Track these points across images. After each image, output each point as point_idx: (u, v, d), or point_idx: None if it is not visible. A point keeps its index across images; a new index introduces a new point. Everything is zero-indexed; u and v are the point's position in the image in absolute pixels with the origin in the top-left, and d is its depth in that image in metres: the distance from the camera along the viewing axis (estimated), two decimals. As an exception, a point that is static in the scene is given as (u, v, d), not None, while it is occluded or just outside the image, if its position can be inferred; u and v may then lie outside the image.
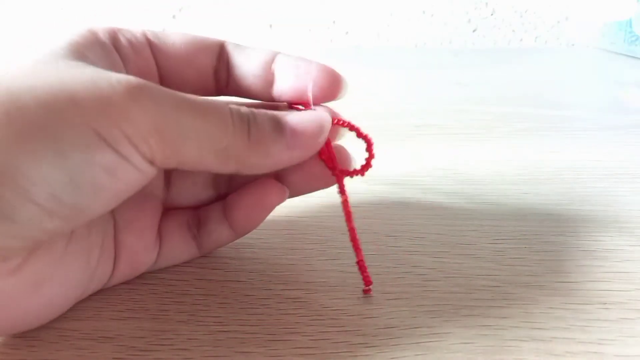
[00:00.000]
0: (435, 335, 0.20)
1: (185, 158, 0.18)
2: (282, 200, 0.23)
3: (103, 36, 0.21)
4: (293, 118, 0.20)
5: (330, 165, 0.22)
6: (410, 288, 0.22)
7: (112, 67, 0.20)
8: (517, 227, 0.27)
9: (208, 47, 0.23)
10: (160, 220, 0.23)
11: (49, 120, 0.15)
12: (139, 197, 0.21)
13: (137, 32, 0.22)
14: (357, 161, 0.23)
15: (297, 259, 0.24)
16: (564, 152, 0.34)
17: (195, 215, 0.24)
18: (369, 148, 0.23)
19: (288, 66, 0.22)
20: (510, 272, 0.23)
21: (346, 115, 0.23)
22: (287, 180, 0.23)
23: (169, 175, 0.24)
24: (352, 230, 0.22)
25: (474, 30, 0.83)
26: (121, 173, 0.17)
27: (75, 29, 0.20)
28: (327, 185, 0.23)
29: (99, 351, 0.19)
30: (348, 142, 0.24)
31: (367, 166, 0.23)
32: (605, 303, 0.21)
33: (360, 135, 0.23)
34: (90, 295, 0.21)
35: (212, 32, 0.24)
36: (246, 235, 0.25)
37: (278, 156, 0.20)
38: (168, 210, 0.24)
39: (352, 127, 0.22)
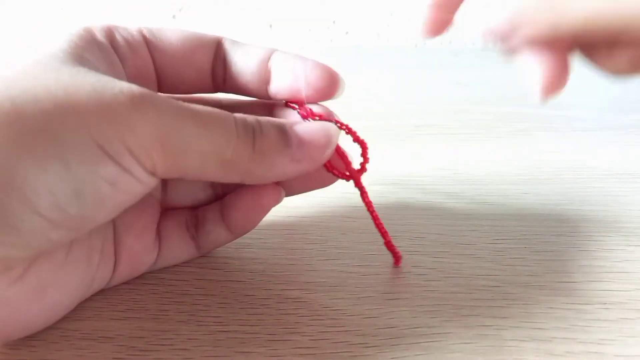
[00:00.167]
0: (435, 335, 0.20)
1: (188, 169, 0.18)
2: (278, 202, 0.23)
3: (100, 35, 0.20)
4: (300, 129, 0.20)
5: (344, 161, 0.22)
6: (410, 288, 0.22)
7: (111, 68, 0.20)
8: (517, 227, 0.27)
9: (205, 44, 0.23)
10: (159, 220, 0.23)
11: (53, 132, 0.15)
12: None
13: (133, 29, 0.22)
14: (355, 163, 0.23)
15: (297, 259, 0.24)
16: (564, 152, 0.34)
17: (194, 216, 0.24)
18: (364, 152, 0.23)
19: (284, 64, 0.22)
20: (510, 272, 0.23)
21: (346, 116, 0.23)
22: (283, 181, 0.23)
23: None
24: (376, 218, 0.23)
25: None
26: (123, 185, 0.17)
27: (71, 29, 0.20)
28: (322, 185, 0.23)
29: (99, 351, 0.19)
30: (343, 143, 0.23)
31: (362, 170, 0.23)
32: (605, 303, 0.21)
33: (356, 139, 0.23)
34: (91, 295, 0.21)
35: (212, 32, 0.24)
36: (246, 235, 0.25)
37: (283, 168, 0.20)
38: (166, 210, 0.24)
39: (349, 131, 0.22)
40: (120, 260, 0.22)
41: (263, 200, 0.22)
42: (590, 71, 0.19)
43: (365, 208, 0.23)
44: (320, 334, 0.20)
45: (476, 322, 0.20)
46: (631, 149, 0.36)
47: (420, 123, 0.40)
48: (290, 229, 0.27)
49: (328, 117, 0.22)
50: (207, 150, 0.18)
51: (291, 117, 0.23)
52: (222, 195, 0.24)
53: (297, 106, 0.22)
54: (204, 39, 0.23)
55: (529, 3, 0.17)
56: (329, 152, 0.21)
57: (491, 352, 0.19)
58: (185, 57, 0.22)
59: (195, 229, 0.23)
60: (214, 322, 0.21)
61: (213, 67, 0.23)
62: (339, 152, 0.22)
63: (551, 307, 0.21)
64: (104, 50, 0.20)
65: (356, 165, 0.23)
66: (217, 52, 0.23)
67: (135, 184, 0.17)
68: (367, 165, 0.23)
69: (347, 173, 0.23)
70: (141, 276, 0.23)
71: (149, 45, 0.22)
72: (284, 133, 0.20)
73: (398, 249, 0.24)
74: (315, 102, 0.22)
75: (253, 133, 0.19)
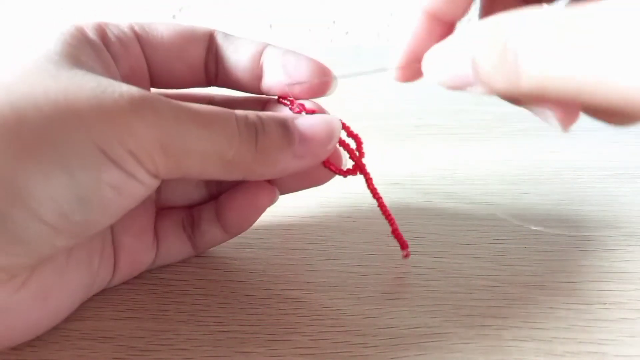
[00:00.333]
0: (435, 335, 0.20)
1: (190, 170, 0.18)
2: (273, 202, 0.23)
3: (92, 34, 0.20)
4: (302, 124, 0.20)
5: (350, 152, 0.22)
6: (410, 288, 0.22)
7: (105, 68, 0.20)
8: (517, 227, 0.27)
9: (197, 39, 0.22)
10: (155, 220, 0.23)
11: (55, 139, 0.15)
12: None
13: (124, 26, 0.22)
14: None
15: (297, 259, 0.24)
16: (564, 152, 0.34)
17: (189, 215, 0.24)
18: (359, 147, 0.23)
19: (276, 60, 0.22)
20: (510, 272, 0.23)
21: (346, 116, 0.23)
22: (277, 180, 0.23)
23: None
24: (382, 205, 0.23)
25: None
26: (126, 188, 0.17)
27: (62, 27, 0.20)
28: (318, 183, 0.23)
29: (99, 351, 0.19)
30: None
31: (360, 161, 0.23)
32: (605, 303, 0.21)
33: (350, 134, 0.23)
34: (91, 296, 0.21)
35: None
36: (246, 235, 0.25)
37: (285, 164, 0.19)
38: (161, 210, 0.24)
39: (343, 126, 0.22)
40: (119, 261, 0.22)
41: (258, 201, 0.22)
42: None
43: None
44: (320, 334, 0.20)
45: (476, 322, 0.20)
46: (631, 149, 0.36)
47: (420, 123, 0.40)
48: (290, 229, 0.27)
49: (320, 113, 0.22)
50: (209, 151, 0.18)
51: (285, 112, 0.23)
52: (216, 194, 0.24)
53: (289, 103, 0.22)
54: (195, 33, 0.22)
55: (486, 59, 0.16)
56: (331, 146, 0.21)
57: (491, 352, 0.19)
58: (177, 52, 0.22)
59: (191, 229, 0.23)
60: (214, 322, 0.21)
61: (206, 62, 0.23)
62: (341, 142, 0.22)
63: (551, 307, 0.21)
64: (96, 49, 0.20)
65: (349, 162, 0.23)
66: (209, 46, 0.23)
67: (139, 186, 0.17)
68: (365, 162, 0.23)
69: (344, 169, 0.22)
70: (141, 276, 0.23)
71: (140, 41, 0.22)
72: (286, 129, 0.19)
73: (405, 240, 0.24)
74: (307, 99, 0.22)
75: (255, 131, 0.19)
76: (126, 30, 0.21)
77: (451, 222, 0.27)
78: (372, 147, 0.23)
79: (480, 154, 0.35)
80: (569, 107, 0.17)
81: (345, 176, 0.23)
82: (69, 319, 0.20)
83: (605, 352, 0.19)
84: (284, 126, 0.19)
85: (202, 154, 0.18)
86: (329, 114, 0.22)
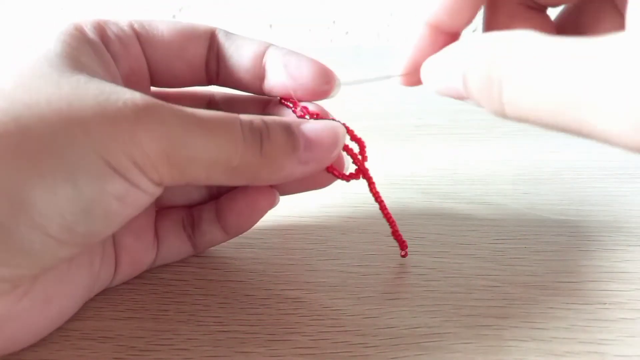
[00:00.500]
0: (435, 335, 0.20)
1: (194, 178, 0.18)
2: (273, 205, 0.23)
3: (91, 33, 0.20)
4: (307, 130, 0.20)
5: (353, 156, 0.22)
6: (410, 288, 0.22)
7: (106, 68, 0.20)
8: (517, 227, 0.27)
9: (198, 37, 0.22)
10: (156, 220, 0.23)
11: (60, 151, 0.15)
12: None
13: (124, 24, 0.21)
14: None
15: (297, 259, 0.24)
16: (564, 152, 0.34)
17: (189, 215, 0.24)
18: (362, 151, 0.23)
19: (278, 62, 0.22)
20: (510, 272, 0.23)
21: (346, 116, 0.23)
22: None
23: None
24: (384, 208, 0.23)
25: (473, 30, 0.83)
26: (131, 198, 0.17)
27: (61, 27, 0.19)
28: (320, 186, 0.23)
29: (99, 351, 0.19)
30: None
31: (363, 165, 0.23)
32: (605, 303, 0.21)
33: (354, 138, 0.23)
34: (91, 295, 0.21)
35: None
36: (246, 235, 0.25)
37: (290, 171, 0.19)
38: (161, 209, 0.23)
39: (346, 129, 0.22)
40: (120, 262, 0.22)
41: (258, 204, 0.22)
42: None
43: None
44: (320, 334, 0.20)
45: (476, 322, 0.20)
46: (631, 149, 0.36)
47: (420, 123, 0.40)
48: (290, 229, 0.27)
49: (325, 116, 0.22)
50: (214, 159, 0.17)
51: (288, 114, 0.23)
52: (216, 194, 0.24)
53: (292, 105, 0.22)
54: (196, 32, 0.22)
55: (473, 82, 0.17)
56: (336, 152, 0.20)
57: (491, 352, 0.19)
58: (177, 51, 0.22)
59: (191, 229, 0.23)
60: (214, 322, 0.21)
61: (206, 60, 0.23)
62: (344, 147, 0.22)
63: (551, 307, 0.21)
64: (96, 50, 0.20)
65: (352, 167, 0.23)
66: (210, 45, 0.22)
67: (142, 195, 0.17)
68: (367, 166, 0.23)
69: (347, 173, 0.23)
70: (141, 276, 0.23)
71: (140, 39, 0.22)
72: (291, 135, 0.19)
73: (404, 240, 0.24)
74: (309, 101, 0.22)
75: (260, 137, 0.18)
76: (126, 28, 0.21)
77: (451, 222, 0.27)
78: (372, 147, 0.23)
79: (480, 154, 0.35)
80: None
81: (348, 180, 0.23)
82: (69, 319, 0.20)
83: (605, 352, 0.19)
84: (289, 132, 0.19)
85: (207, 162, 0.17)
86: (332, 116, 0.22)
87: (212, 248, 0.25)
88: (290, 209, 0.28)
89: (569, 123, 0.14)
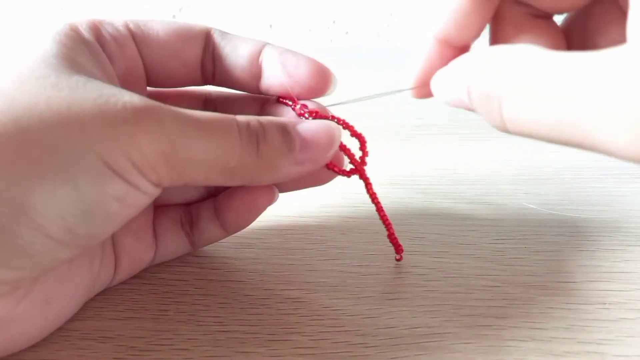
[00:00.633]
0: (435, 335, 0.20)
1: (192, 179, 0.18)
2: (272, 202, 0.23)
3: (86, 34, 0.20)
4: (303, 130, 0.20)
5: (350, 156, 0.22)
6: (410, 288, 0.22)
7: (101, 69, 0.20)
8: (517, 227, 0.27)
9: (194, 37, 0.22)
10: (154, 218, 0.23)
11: (60, 154, 0.15)
12: None
13: (119, 24, 0.21)
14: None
15: (297, 259, 0.24)
16: (564, 152, 0.34)
17: (187, 213, 0.24)
18: (363, 147, 0.23)
19: (275, 60, 0.22)
20: (510, 272, 0.23)
21: (346, 116, 0.23)
22: None
23: None
24: (380, 210, 0.23)
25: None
26: (130, 199, 0.17)
27: (57, 27, 0.19)
28: (319, 183, 0.23)
29: (99, 351, 0.19)
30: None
31: (362, 164, 0.23)
32: (605, 303, 0.21)
33: (354, 134, 0.23)
34: (91, 295, 0.21)
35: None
36: (246, 235, 0.25)
37: (286, 171, 0.19)
38: (159, 207, 0.23)
39: (346, 125, 0.22)
40: (120, 262, 0.22)
41: (257, 201, 0.22)
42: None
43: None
44: (320, 334, 0.20)
45: (476, 322, 0.20)
46: (631, 149, 0.36)
47: (420, 123, 0.40)
48: (290, 229, 0.27)
49: (324, 114, 0.22)
50: (211, 160, 0.18)
51: (286, 112, 0.23)
52: (214, 192, 0.24)
53: (290, 103, 0.22)
54: (192, 32, 0.22)
55: (476, 97, 0.17)
56: (332, 152, 0.20)
57: (491, 352, 0.19)
58: (173, 51, 0.22)
59: (189, 226, 0.23)
60: (214, 322, 0.21)
61: (202, 60, 0.23)
62: (341, 146, 0.22)
63: (551, 307, 0.21)
64: (92, 50, 0.20)
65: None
66: (206, 45, 0.22)
67: (142, 196, 0.17)
68: (367, 161, 0.23)
69: (348, 169, 0.23)
70: (141, 276, 0.23)
71: (135, 39, 0.22)
72: (287, 136, 0.19)
73: (400, 244, 0.24)
74: (307, 99, 0.22)
75: (257, 139, 0.18)
76: (121, 28, 0.21)
77: (451, 222, 0.27)
78: (372, 147, 0.23)
79: (480, 154, 0.35)
80: None
81: (349, 176, 0.23)
82: (68, 319, 0.20)
83: (605, 352, 0.19)
84: (285, 132, 0.19)
85: (205, 163, 0.18)
86: (331, 113, 0.22)
87: (212, 248, 0.25)
88: (290, 209, 0.28)
89: (570, 137, 0.14)
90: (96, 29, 0.20)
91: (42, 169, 0.15)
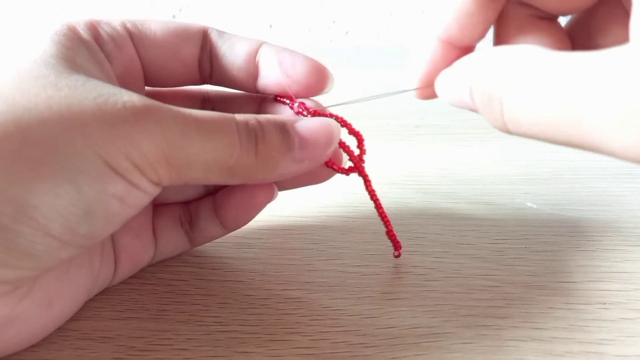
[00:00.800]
0: (435, 335, 0.20)
1: (192, 178, 0.18)
2: (271, 200, 0.23)
3: (84, 33, 0.20)
4: (302, 128, 0.20)
5: (349, 153, 0.22)
6: (410, 288, 0.22)
7: (100, 69, 0.20)
8: (517, 227, 0.27)
9: (191, 37, 0.22)
10: (153, 217, 0.23)
11: (61, 154, 0.15)
12: None
13: (116, 24, 0.21)
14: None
15: (297, 259, 0.24)
16: (564, 152, 0.34)
17: (186, 211, 0.24)
18: (360, 145, 0.23)
19: (272, 59, 0.22)
20: (510, 272, 0.23)
21: (346, 116, 0.23)
22: None
23: None
24: (379, 207, 0.23)
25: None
26: (131, 199, 0.17)
27: (54, 27, 0.19)
28: (318, 181, 0.23)
29: (99, 351, 0.19)
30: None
31: (360, 162, 0.23)
32: (605, 303, 0.21)
33: (352, 131, 0.23)
34: (90, 295, 0.21)
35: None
36: (246, 235, 0.25)
37: (285, 169, 0.19)
38: (158, 206, 0.23)
39: (344, 123, 0.22)
40: (120, 261, 0.22)
41: (256, 199, 0.22)
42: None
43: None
44: (320, 334, 0.20)
45: (475, 322, 0.20)
46: (631, 149, 0.36)
47: (420, 123, 0.40)
48: (290, 229, 0.27)
49: (322, 112, 0.22)
50: (211, 160, 0.18)
51: (282, 109, 0.23)
52: (213, 189, 0.24)
53: (288, 101, 0.22)
54: (189, 31, 0.22)
55: (478, 97, 0.17)
56: (331, 150, 0.20)
57: (490, 352, 0.19)
58: (171, 50, 0.22)
59: (188, 225, 0.23)
60: (214, 322, 0.21)
61: (200, 60, 0.23)
62: (340, 143, 0.22)
63: (551, 307, 0.21)
64: (91, 50, 0.20)
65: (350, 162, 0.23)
66: (203, 44, 0.22)
67: (142, 195, 0.17)
68: (366, 165, 0.23)
69: (347, 167, 0.22)
70: (141, 276, 0.23)
71: (133, 39, 0.22)
72: (286, 134, 0.19)
73: (398, 241, 0.24)
74: (304, 97, 0.22)
75: (255, 138, 0.19)
76: (119, 28, 0.21)
77: (451, 222, 0.27)
78: (372, 147, 0.23)
79: (480, 154, 0.35)
80: None
81: (348, 174, 0.23)
82: (68, 319, 0.20)
83: (604, 352, 0.19)
84: (284, 131, 0.19)
85: (205, 163, 0.18)
86: (329, 111, 0.22)
87: (212, 248, 0.25)
88: (290, 209, 0.28)
89: (571, 138, 0.14)
90: (94, 29, 0.20)
91: (43, 169, 0.15)
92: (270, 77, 0.22)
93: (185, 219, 0.23)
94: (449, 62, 0.20)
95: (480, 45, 0.21)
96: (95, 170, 0.16)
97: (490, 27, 0.20)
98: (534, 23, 0.20)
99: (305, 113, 0.21)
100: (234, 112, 0.19)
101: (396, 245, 0.24)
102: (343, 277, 0.23)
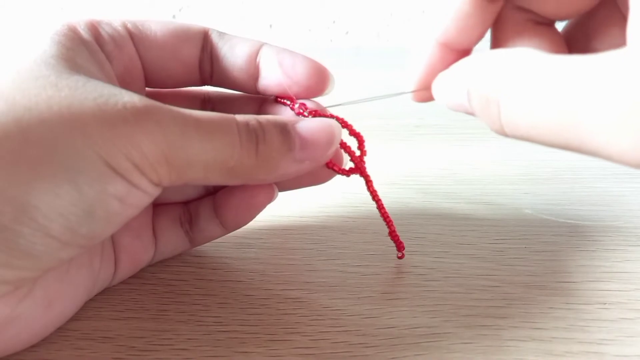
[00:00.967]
0: (435, 335, 0.20)
1: (192, 178, 0.18)
2: (271, 200, 0.22)
3: (85, 33, 0.20)
4: (303, 128, 0.20)
5: (350, 153, 0.22)
6: (410, 288, 0.22)
7: (101, 69, 0.20)
8: (517, 227, 0.27)
9: (192, 37, 0.22)
10: (153, 217, 0.23)
11: (61, 154, 0.15)
12: None
13: (117, 24, 0.21)
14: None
15: (297, 259, 0.24)
16: (564, 152, 0.34)
17: (186, 211, 0.24)
18: (361, 146, 0.23)
19: (272, 60, 0.22)
20: (510, 272, 0.23)
21: (346, 116, 0.23)
22: None
23: None
24: (381, 207, 0.23)
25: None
26: (131, 199, 0.17)
27: (54, 27, 0.19)
28: (319, 181, 0.23)
29: (99, 351, 0.19)
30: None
31: (361, 163, 0.23)
32: (605, 303, 0.21)
33: (352, 132, 0.23)
34: (90, 295, 0.21)
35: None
36: (246, 235, 0.25)
37: (285, 170, 0.19)
38: (157, 205, 0.23)
39: (345, 124, 0.22)
40: (120, 261, 0.22)
41: (256, 200, 0.22)
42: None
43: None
44: (320, 334, 0.20)
45: (475, 322, 0.20)
46: (631, 149, 0.35)
47: (420, 123, 0.40)
48: (290, 229, 0.27)
49: (322, 112, 0.22)
50: (211, 161, 0.18)
51: (282, 110, 0.23)
52: (213, 189, 0.24)
53: (289, 102, 0.22)
54: (190, 32, 0.22)
55: (475, 100, 0.17)
56: (332, 150, 0.20)
57: (490, 352, 0.19)
58: (171, 51, 0.22)
59: (188, 225, 0.23)
60: (214, 322, 0.21)
61: (200, 61, 0.23)
62: (341, 144, 0.22)
63: (551, 307, 0.21)
64: (91, 50, 0.20)
65: (350, 162, 0.23)
66: (204, 45, 0.22)
67: (142, 196, 0.17)
68: (367, 165, 0.23)
69: (348, 168, 0.23)
70: (141, 276, 0.23)
71: (133, 39, 0.22)
72: (286, 135, 0.19)
73: (401, 241, 0.24)
74: (305, 99, 0.22)
75: (256, 138, 0.19)
76: (119, 28, 0.21)
77: (451, 222, 0.27)
78: (372, 147, 0.23)
79: (480, 154, 0.35)
80: None
81: (348, 175, 0.23)
82: (68, 319, 0.20)
83: (605, 352, 0.19)
84: (285, 131, 0.19)
85: (205, 163, 0.18)
86: (330, 113, 0.22)
87: (212, 248, 0.25)
88: (291, 209, 0.28)
89: (568, 142, 0.14)
90: (94, 29, 0.20)
91: (43, 169, 0.15)
92: (270, 78, 0.22)
93: (185, 219, 0.23)
94: (446, 64, 0.20)
95: (477, 48, 0.21)
96: (96, 171, 0.16)
97: (487, 30, 0.20)
98: (531, 27, 0.20)
99: (305, 114, 0.21)
100: (234, 113, 0.19)
101: (399, 246, 0.24)
102: (343, 277, 0.23)
